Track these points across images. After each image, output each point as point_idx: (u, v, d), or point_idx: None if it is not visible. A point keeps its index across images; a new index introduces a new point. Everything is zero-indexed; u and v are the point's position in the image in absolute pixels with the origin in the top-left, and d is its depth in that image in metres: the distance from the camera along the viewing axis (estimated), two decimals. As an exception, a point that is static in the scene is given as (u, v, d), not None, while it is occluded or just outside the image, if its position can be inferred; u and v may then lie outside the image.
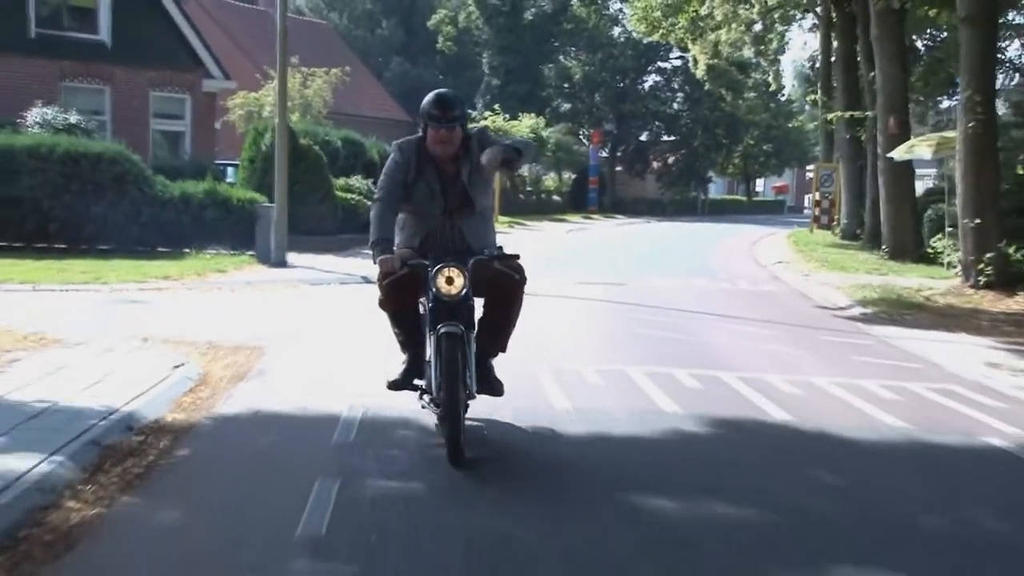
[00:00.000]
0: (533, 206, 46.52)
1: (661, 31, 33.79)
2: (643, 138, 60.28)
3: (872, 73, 24.23)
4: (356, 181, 25.00)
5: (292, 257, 18.65)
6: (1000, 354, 10.72)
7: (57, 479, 5.14)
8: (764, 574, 4.42)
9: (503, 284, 6.05)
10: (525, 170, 48.33)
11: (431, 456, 5.96)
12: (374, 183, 27.87)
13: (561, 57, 57.99)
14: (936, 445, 6.78)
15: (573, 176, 53.08)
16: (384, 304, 6.16)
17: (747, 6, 35.36)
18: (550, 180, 52.51)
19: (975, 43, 16.83)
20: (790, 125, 57.70)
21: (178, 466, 5.74)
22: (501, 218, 37.55)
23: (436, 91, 6.13)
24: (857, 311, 14.37)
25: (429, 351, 5.90)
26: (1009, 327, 12.86)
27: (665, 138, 60.45)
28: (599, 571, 4.41)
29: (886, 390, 8.55)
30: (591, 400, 7.69)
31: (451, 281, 5.76)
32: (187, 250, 18.64)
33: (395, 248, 5.99)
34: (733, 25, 35.69)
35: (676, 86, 58.50)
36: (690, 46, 37.59)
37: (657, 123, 59.64)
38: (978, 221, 16.78)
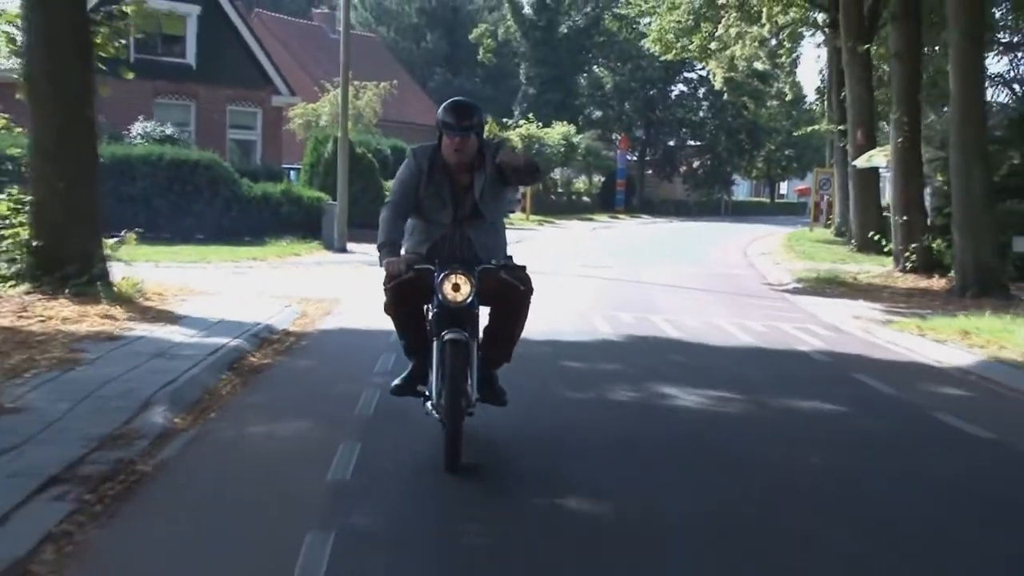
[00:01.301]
0: (564, 206, 50.67)
1: (675, 51, 37.69)
2: (671, 143, 64.29)
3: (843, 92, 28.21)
4: (403, 183, 29.27)
5: (351, 245, 22.92)
6: (871, 312, 14.67)
7: (242, 348, 9.39)
8: (627, 390, 8.51)
9: (509, 294, 5.99)
10: (556, 173, 52.46)
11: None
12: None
13: (594, 68, 62.09)
14: (762, 349, 10.91)
15: (602, 179, 57.19)
16: (388, 308, 6.14)
17: (759, 25, 39.15)
18: (580, 182, 56.63)
19: (903, 75, 20.78)
20: (796, 133, 60.33)
21: (303, 348, 9.99)
22: (532, 217, 41.81)
23: (453, 99, 6.21)
24: (792, 286, 18.43)
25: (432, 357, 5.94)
26: (901, 298, 16.80)
27: (691, 143, 64.45)
28: (541, 391, 8.56)
29: (762, 326, 12.65)
30: (555, 326, 11.82)
31: (458, 288, 5.75)
32: (267, 239, 22.96)
33: (403, 253, 6.05)
34: (747, 41, 39.57)
35: (701, 95, 62.38)
36: (707, 62, 41.50)
37: (684, 129, 63.61)
38: (905, 218, 20.76)
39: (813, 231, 38.15)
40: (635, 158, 61.74)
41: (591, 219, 47.77)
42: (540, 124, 49.54)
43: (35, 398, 6.88)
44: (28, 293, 10.78)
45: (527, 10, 59.76)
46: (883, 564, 4.66)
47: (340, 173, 23.07)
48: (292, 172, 31.31)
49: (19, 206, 11.54)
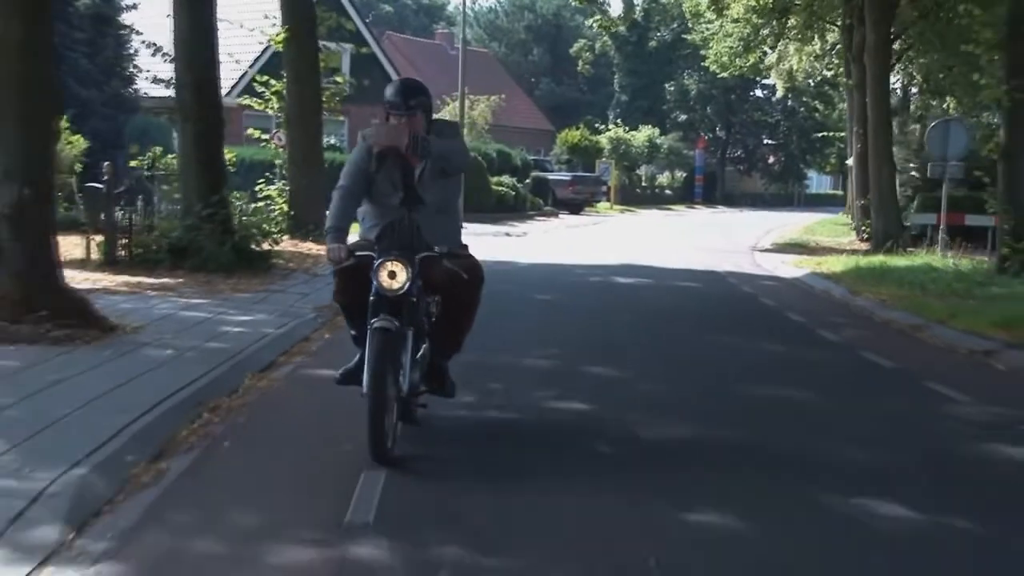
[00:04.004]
0: (648, 198, 58.98)
1: (730, 71, 45.57)
2: (749, 142, 72.06)
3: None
4: (504, 179, 38.26)
5: (466, 223, 31.77)
6: (796, 259, 22.78)
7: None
8: (597, 278, 17.12)
9: (454, 284, 5.88)
10: (642, 169, 60.80)
11: (521, 267, 18.93)
12: (518, 180, 41.28)
13: (684, 74, 70.07)
14: (694, 270, 19.38)
15: (684, 175, 65.25)
16: (336, 295, 6.14)
17: (811, 43, 46.72)
18: (663, 178, 64.80)
19: (859, 100, 28.77)
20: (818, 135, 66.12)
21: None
22: (616, 206, 50.34)
23: (399, 78, 6.06)
24: (764, 247, 26.67)
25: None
26: (832, 254, 24.82)
27: (767, 142, 72.06)
28: (554, 279, 17.22)
29: (711, 262, 21.05)
30: (580, 259, 20.46)
31: (393, 275, 5.60)
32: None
33: (353, 239, 6.01)
34: (802, 56, 47.22)
35: (775, 100, 69.86)
36: (768, 75, 49.23)
37: (760, 130, 71.29)
38: (861, 202, 28.82)
39: (846, 216, 45.67)
40: (716, 157, 69.61)
41: (669, 209, 55.98)
42: (627, 128, 58.09)
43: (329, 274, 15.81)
44: (290, 239, 19.82)
45: (622, 27, 68.05)
46: (670, 347, 13.32)
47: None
48: (420, 171, 40.33)
49: (281, 193, 20.67)
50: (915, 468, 6.14)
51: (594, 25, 32.57)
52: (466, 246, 6.23)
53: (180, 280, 13.61)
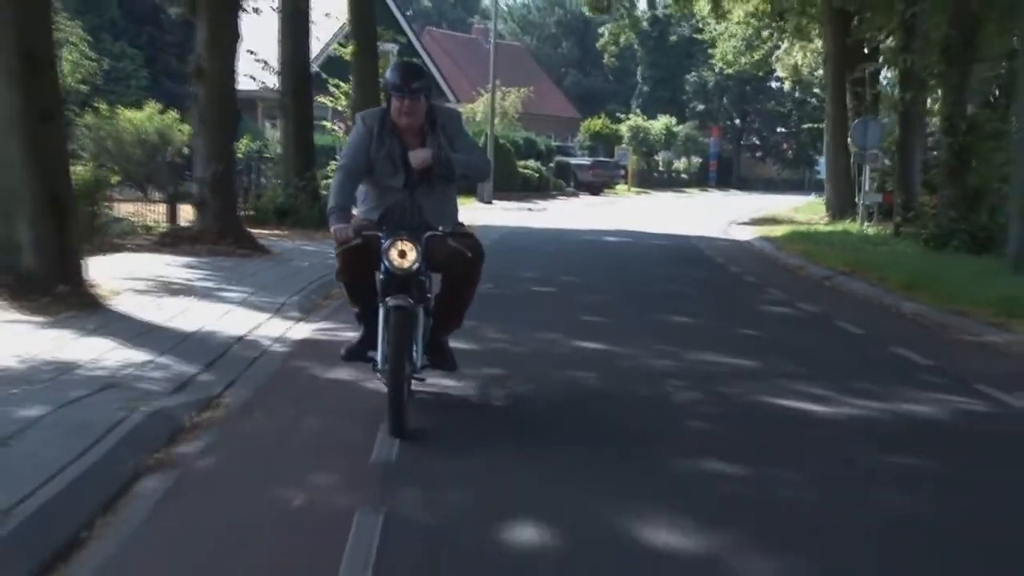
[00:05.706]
0: (665, 182, 64.28)
1: (735, 67, 50.66)
2: (763, 130, 77.30)
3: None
4: (530, 163, 43.80)
5: (495, 200, 37.35)
6: (763, 228, 28.10)
7: (448, 226, 23.93)
8: (588, 238, 22.58)
9: (456, 261, 6.09)
10: (659, 155, 66.11)
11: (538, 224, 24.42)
12: (542, 164, 46.82)
13: (703, 67, 75.13)
14: (670, 235, 24.78)
15: (700, 160, 70.51)
16: (339, 274, 6.26)
17: (813, 42, 51.61)
18: (680, 163, 70.09)
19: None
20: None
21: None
22: (633, 189, 55.69)
23: (401, 60, 5.96)
24: (742, 221, 31.99)
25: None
26: (795, 224, 30.14)
27: (780, 130, 77.24)
28: (558, 239, 22.69)
29: (689, 230, 26.42)
30: (577, 226, 25.91)
31: (403, 254, 5.80)
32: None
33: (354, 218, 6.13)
34: (807, 52, 52.14)
35: (786, 91, 74.92)
36: (775, 69, 54.24)
37: (774, 119, 76.44)
38: (831, 184, 34.07)
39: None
40: (732, 144, 74.83)
41: (683, 192, 61.22)
42: (647, 117, 63.44)
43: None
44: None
45: (644, 23, 73.21)
46: (630, 282, 18.82)
47: (489, 156, 37.43)
48: (456, 155, 45.91)
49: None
50: (721, 314, 11.65)
51: (605, 32, 37.94)
52: (462, 224, 6.40)
53: (285, 232, 19.21)
